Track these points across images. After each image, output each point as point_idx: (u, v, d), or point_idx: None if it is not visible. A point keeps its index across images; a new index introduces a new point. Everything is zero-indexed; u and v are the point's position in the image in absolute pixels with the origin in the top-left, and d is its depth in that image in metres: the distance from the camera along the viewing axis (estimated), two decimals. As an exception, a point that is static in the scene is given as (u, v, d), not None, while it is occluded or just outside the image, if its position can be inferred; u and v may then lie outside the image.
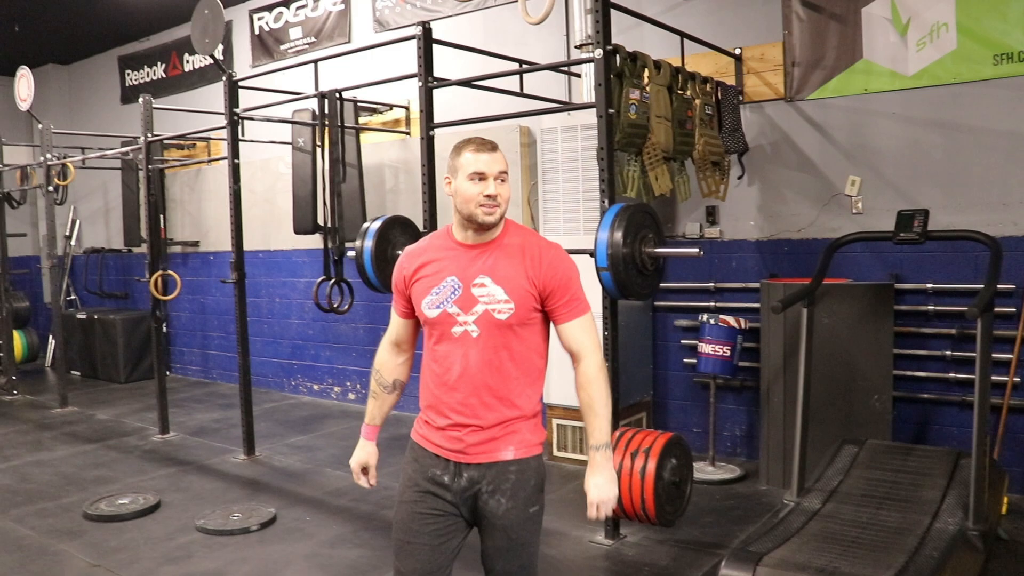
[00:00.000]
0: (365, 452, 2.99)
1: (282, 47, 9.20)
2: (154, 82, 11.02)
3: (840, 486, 4.47)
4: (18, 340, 10.83)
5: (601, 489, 2.63)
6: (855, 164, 5.85)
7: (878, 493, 4.34)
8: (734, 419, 6.37)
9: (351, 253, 5.46)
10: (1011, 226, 5.26)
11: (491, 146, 2.62)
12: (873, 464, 4.70)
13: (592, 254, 4.35)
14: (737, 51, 6.16)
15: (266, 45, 9.34)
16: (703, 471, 5.86)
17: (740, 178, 6.20)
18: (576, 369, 2.66)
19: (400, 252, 5.21)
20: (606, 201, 4.53)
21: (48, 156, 8.90)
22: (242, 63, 9.54)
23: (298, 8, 9.01)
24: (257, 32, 9.43)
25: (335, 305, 7.18)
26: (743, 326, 5.85)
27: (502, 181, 2.59)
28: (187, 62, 10.54)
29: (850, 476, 4.58)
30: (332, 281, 7.22)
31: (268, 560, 4.75)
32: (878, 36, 5.71)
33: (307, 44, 8.91)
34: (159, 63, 11.00)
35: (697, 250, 4.42)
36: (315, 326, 9.13)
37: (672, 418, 6.62)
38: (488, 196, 2.54)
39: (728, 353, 5.80)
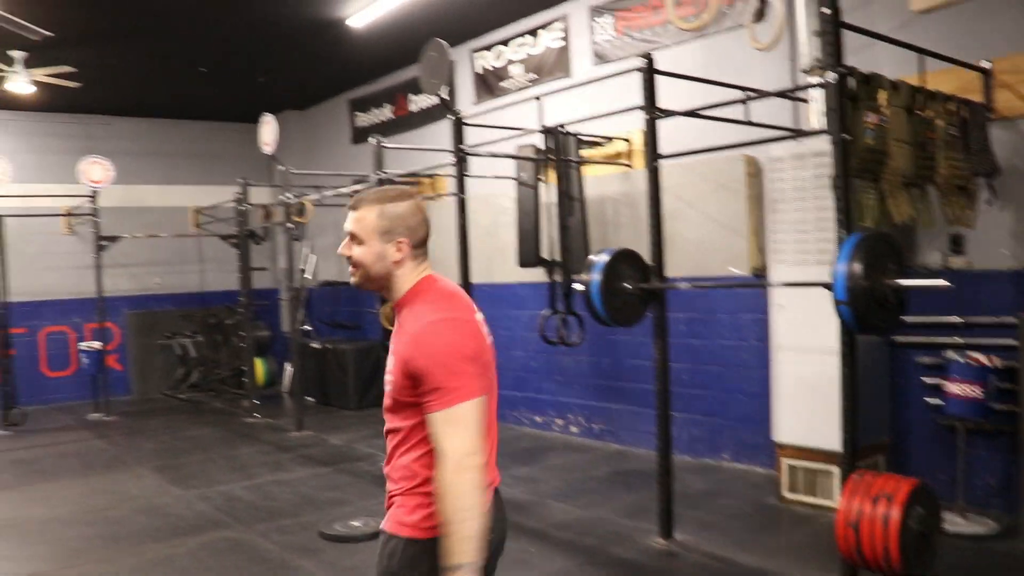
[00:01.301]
0: None
1: (503, 84, 9.43)
2: (382, 123, 11.59)
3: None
4: (259, 367, 11.59)
5: None
6: None
7: None
8: (987, 467, 5.82)
9: (577, 286, 5.46)
10: None
11: (355, 203, 2.46)
12: None
13: (827, 287, 4.13)
14: (985, 64, 5.70)
15: (488, 83, 9.60)
16: (952, 523, 5.38)
17: (989, 203, 5.72)
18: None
19: (628, 285, 5.19)
20: (844, 231, 4.28)
21: (288, 195, 9.50)
22: (464, 101, 9.84)
23: (518, 46, 9.21)
24: (479, 71, 9.70)
25: (563, 338, 7.22)
26: (996, 365, 5.37)
27: (357, 243, 2.43)
28: (412, 102, 11.02)
29: None
30: (560, 314, 7.24)
31: (494, 590, 4.78)
32: None
33: (528, 81, 9.09)
34: (386, 104, 11.57)
35: (944, 281, 4.10)
36: (538, 358, 9.21)
37: (912, 462, 6.15)
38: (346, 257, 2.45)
39: (979, 394, 5.33)
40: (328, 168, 12.19)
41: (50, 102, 11.31)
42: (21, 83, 9.46)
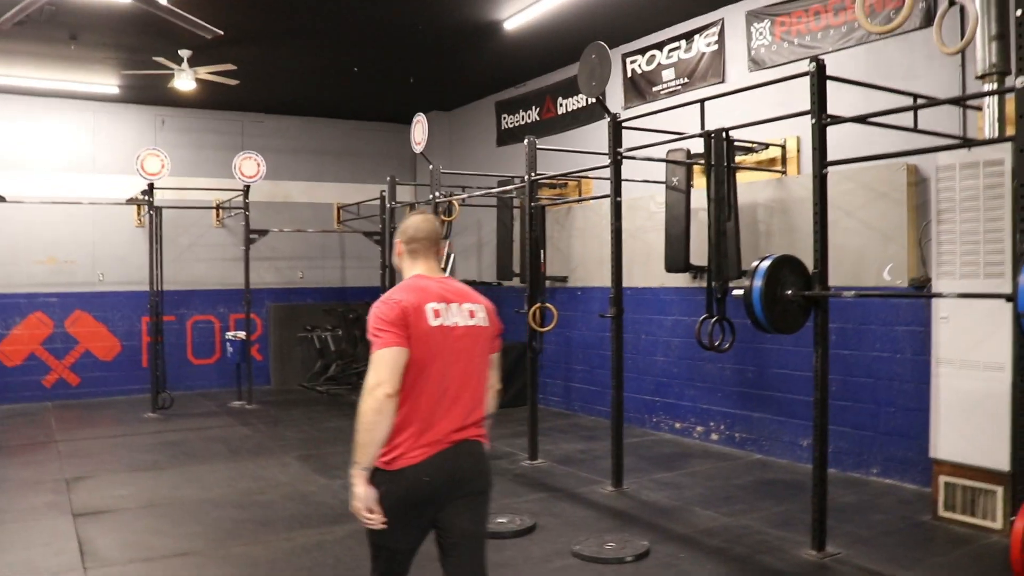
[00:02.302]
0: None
1: (654, 88, 9.46)
2: (529, 125, 11.76)
3: None
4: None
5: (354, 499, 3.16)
6: None
7: None
8: None
9: (736, 291, 5.46)
10: None
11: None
12: None
13: (1008, 298, 4.04)
14: None
15: (638, 87, 9.64)
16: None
17: None
18: None
19: (790, 292, 5.18)
20: (1025, 243, 4.18)
21: (437, 194, 9.74)
22: (614, 104, 9.89)
23: (671, 50, 9.23)
24: (629, 75, 9.76)
25: (716, 343, 7.20)
26: None
27: None
28: (560, 105, 11.14)
29: None
30: (715, 319, 7.22)
31: (645, 592, 4.83)
32: None
33: (680, 85, 9.09)
34: (534, 107, 11.73)
35: None
36: (680, 364, 9.20)
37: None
38: None
39: None
40: (472, 168, 12.45)
41: (206, 99, 11.95)
42: (186, 80, 10.02)
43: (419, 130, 9.77)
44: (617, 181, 6.94)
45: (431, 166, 9.80)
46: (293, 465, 8.10)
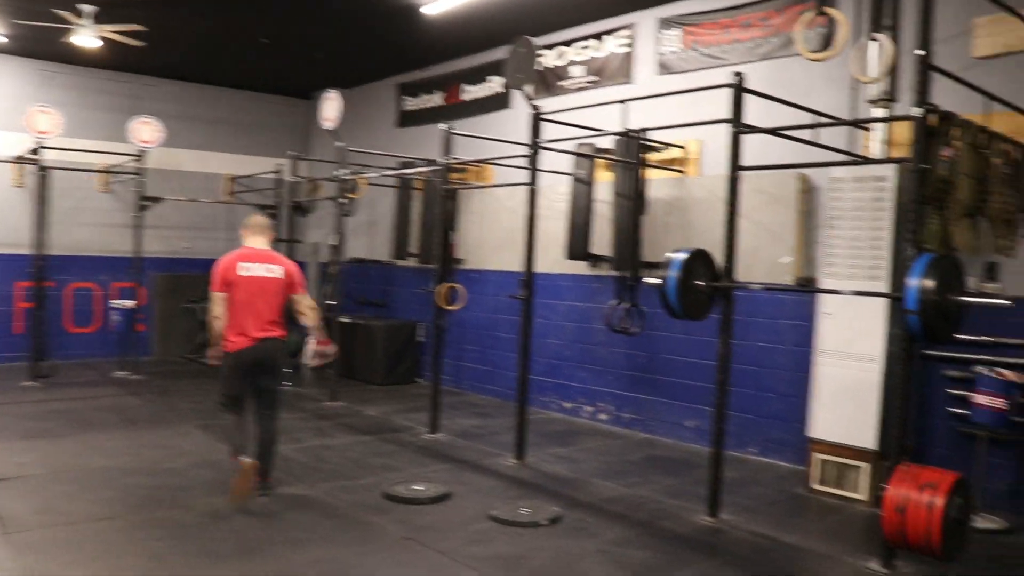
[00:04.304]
0: None
1: (561, 83, 9.91)
2: (432, 109, 12.04)
3: None
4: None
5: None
6: None
7: None
8: (1000, 472, 6.41)
9: (650, 280, 5.96)
10: None
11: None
12: None
13: (895, 298, 4.66)
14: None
15: (546, 80, 10.05)
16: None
17: (1024, 236, 6.29)
18: None
19: (701, 283, 5.72)
20: (914, 250, 4.81)
21: (344, 171, 9.93)
22: (520, 95, 10.27)
23: (582, 48, 9.70)
24: (539, 68, 10.13)
25: (626, 328, 7.71)
26: (1021, 381, 5.95)
27: None
28: (465, 91, 11.46)
29: None
30: (625, 305, 7.71)
31: (562, 551, 5.26)
32: None
33: (588, 82, 9.58)
34: (437, 91, 12.00)
35: (1009, 302, 4.66)
36: (573, 347, 9.72)
37: (933, 465, 6.68)
38: None
39: (1004, 406, 5.92)
40: (367, 148, 12.53)
41: (99, 58, 11.57)
42: (88, 37, 9.66)
43: (331, 107, 9.93)
44: (534, 170, 7.35)
45: (338, 144, 9.97)
46: (194, 434, 8.13)
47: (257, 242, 6.20)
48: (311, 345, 6.51)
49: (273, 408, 6.19)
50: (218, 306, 5.93)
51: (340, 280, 10.64)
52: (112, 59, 11.74)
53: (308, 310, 6.27)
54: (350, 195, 10.34)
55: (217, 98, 14.01)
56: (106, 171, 12.49)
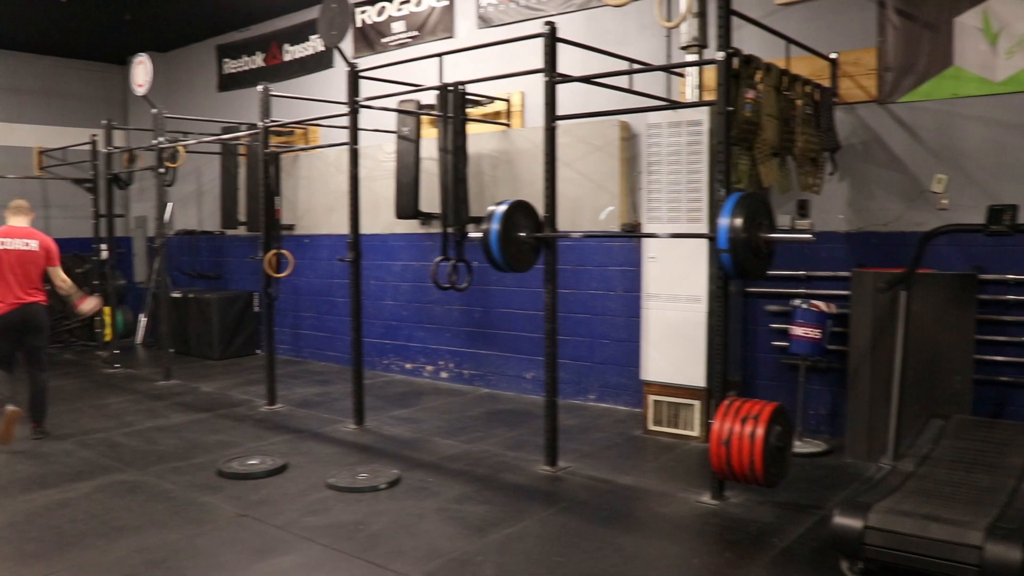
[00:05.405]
0: None
1: (383, 40, 9.71)
2: (254, 71, 11.61)
3: (932, 453, 4.88)
4: (114, 317, 11.41)
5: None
6: (942, 163, 6.24)
7: (966, 459, 4.74)
8: (819, 399, 6.78)
9: (473, 235, 5.92)
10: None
11: None
12: (960, 435, 5.11)
13: (710, 238, 4.79)
14: (833, 56, 6.56)
15: (367, 37, 9.85)
16: (792, 445, 6.27)
17: (832, 174, 6.60)
18: None
19: (523, 234, 5.73)
20: (724, 190, 4.95)
21: (161, 139, 9.48)
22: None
23: (401, 3, 9.52)
24: (359, 24, 9.93)
25: (453, 283, 7.67)
26: (833, 311, 6.26)
27: None
28: (287, 52, 11.09)
29: (940, 445, 4.99)
30: (451, 261, 7.66)
31: (402, 513, 5.21)
32: (969, 45, 6.10)
33: (409, 38, 9.42)
34: (258, 52, 11.58)
35: (811, 236, 4.87)
36: (409, 307, 9.65)
37: (760, 397, 7.00)
38: None
39: (819, 336, 6.21)
40: (190, 113, 12.05)
41: None
42: None
43: (141, 71, 9.43)
44: (355, 130, 7.17)
45: (153, 110, 9.50)
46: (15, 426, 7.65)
47: (18, 221, 7.21)
48: (80, 305, 7.62)
49: (40, 363, 7.15)
50: None
51: (166, 253, 10.21)
52: None
53: (61, 282, 7.30)
54: (169, 164, 9.89)
55: (19, 65, 13.03)
56: None
